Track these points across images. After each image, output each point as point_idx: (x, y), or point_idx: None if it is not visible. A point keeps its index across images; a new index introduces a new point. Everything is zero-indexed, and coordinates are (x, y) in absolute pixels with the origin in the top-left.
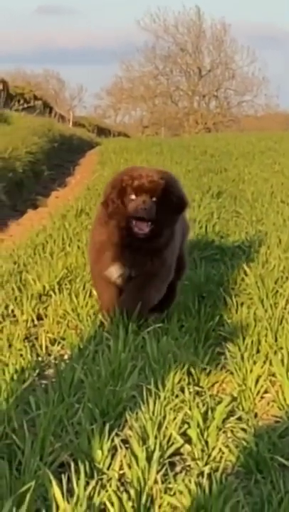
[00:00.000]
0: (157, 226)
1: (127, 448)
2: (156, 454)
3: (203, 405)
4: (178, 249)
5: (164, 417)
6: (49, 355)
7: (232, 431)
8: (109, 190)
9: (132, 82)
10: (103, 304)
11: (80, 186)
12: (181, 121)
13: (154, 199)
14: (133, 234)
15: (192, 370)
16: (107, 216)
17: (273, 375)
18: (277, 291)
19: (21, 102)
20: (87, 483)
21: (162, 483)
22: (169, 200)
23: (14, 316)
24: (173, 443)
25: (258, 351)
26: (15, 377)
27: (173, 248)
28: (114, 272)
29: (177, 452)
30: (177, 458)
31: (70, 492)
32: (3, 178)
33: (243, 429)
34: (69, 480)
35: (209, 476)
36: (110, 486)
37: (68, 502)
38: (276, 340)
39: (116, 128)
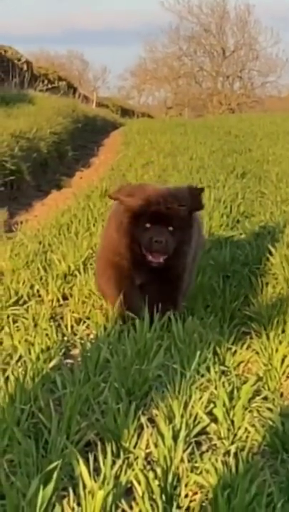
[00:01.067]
0: (174, 256)
1: (153, 427)
2: (183, 433)
3: (229, 385)
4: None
5: (190, 396)
6: (74, 334)
7: (258, 410)
8: (120, 210)
9: (156, 63)
10: (125, 301)
11: (104, 167)
12: (205, 102)
13: (170, 228)
14: (146, 262)
15: (218, 350)
16: (118, 235)
17: None
18: None
19: (45, 82)
20: (114, 462)
21: (188, 462)
22: (189, 227)
23: (40, 295)
24: (199, 422)
25: (283, 331)
26: (41, 356)
27: (190, 269)
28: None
29: (203, 431)
30: (203, 437)
31: (97, 471)
32: (28, 159)
33: (269, 409)
34: (95, 459)
35: (235, 455)
36: (137, 464)
37: (95, 481)
38: None
39: (140, 109)
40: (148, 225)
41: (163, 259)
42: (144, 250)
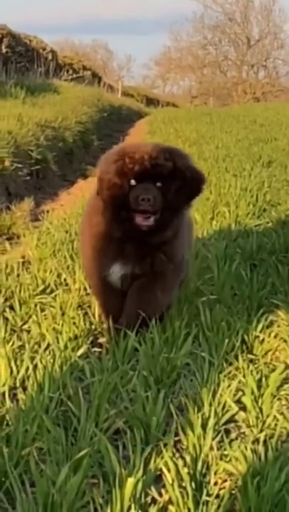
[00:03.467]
0: (164, 216)
1: (182, 415)
2: (212, 421)
3: (257, 373)
4: (189, 242)
5: (219, 385)
6: (102, 323)
7: (286, 398)
8: (104, 172)
9: (181, 52)
10: (107, 312)
11: None
12: (230, 91)
13: (159, 184)
14: (134, 226)
15: (245, 338)
16: (103, 205)
17: None
18: None
19: (70, 71)
20: (143, 450)
21: (218, 449)
22: (180, 182)
23: (67, 284)
24: (228, 410)
25: None
26: (69, 344)
27: (183, 239)
28: (116, 272)
29: (232, 419)
30: (232, 425)
31: (126, 459)
32: (54, 148)
33: None
34: (124, 447)
35: (264, 442)
36: (166, 452)
37: (124, 468)
38: None
39: (164, 98)
40: (133, 183)
41: (152, 221)
42: (131, 214)
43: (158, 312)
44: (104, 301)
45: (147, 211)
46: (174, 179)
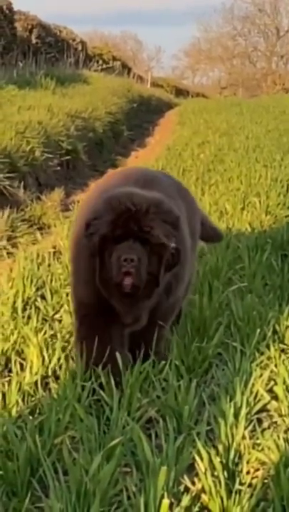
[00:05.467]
0: (150, 279)
1: (214, 404)
2: (244, 411)
3: None
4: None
5: (250, 374)
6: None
7: None
8: (80, 241)
9: (210, 43)
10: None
11: (159, 147)
12: (259, 82)
13: (146, 246)
14: (120, 288)
15: (277, 328)
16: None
17: None
18: None
19: (100, 62)
20: (175, 439)
21: (250, 439)
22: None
23: None
24: (260, 399)
25: None
26: None
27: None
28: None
29: (264, 409)
30: (264, 414)
31: (159, 448)
32: (84, 138)
33: None
34: (157, 436)
35: None
36: (199, 440)
37: (157, 457)
38: None
39: (194, 89)
40: (117, 244)
41: (134, 282)
42: (114, 278)
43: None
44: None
45: (130, 274)
46: (162, 249)
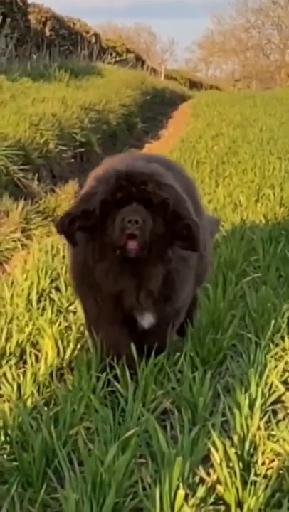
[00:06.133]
0: (154, 249)
1: (229, 395)
2: (259, 402)
3: None
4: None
5: (265, 366)
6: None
7: None
8: (86, 201)
9: (224, 35)
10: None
11: (173, 139)
12: (273, 75)
13: (149, 209)
14: (124, 252)
15: None
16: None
17: None
18: None
19: (113, 55)
20: (190, 430)
21: (265, 430)
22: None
23: None
24: (274, 391)
25: None
26: None
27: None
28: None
29: (279, 400)
30: (279, 405)
31: (174, 439)
32: (98, 130)
33: None
34: (172, 427)
35: None
36: (214, 431)
37: (172, 448)
38: None
39: (207, 81)
40: (120, 208)
41: (139, 245)
42: (117, 242)
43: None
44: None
45: (134, 237)
46: (165, 212)
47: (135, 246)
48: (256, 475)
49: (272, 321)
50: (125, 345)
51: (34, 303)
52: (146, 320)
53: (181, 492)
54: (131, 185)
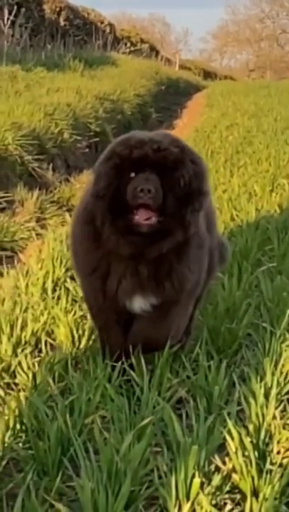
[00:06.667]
0: (169, 216)
1: (244, 384)
2: (274, 391)
3: None
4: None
5: (280, 355)
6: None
7: None
8: (97, 169)
9: (238, 26)
10: (109, 349)
11: (188, 129)
12: (287, 65)
13: (162, 176)
14: (134, 228)
15: None
16: (93, 209)
17: None
18: None
19: (128, 45)
20: (206, 419)
21: (280, 419)
22: (184, 179)
23: None
24: None
25: None
26: None
27: (200, 249)
28: (136, 306)
29: None
30: None
31: (189, 428)
32: (112, 121)
33: None
34: (187, 416)
35: None
36: (230, 420)
37: (188, 437)
38: None
39: (221, 71)
40: (132, 175)
41: (155, 218)
42: (130, 214)
43: (173, 339)
44: (109, 336)
45: (148, 206)
46: (181, 172)
47: (148, 221)
48: (272, 464)
49: (287, 310)
50: (118, 335)
51: (49, 292)
52: (137, 303)
53: (196, 480)
54: (145, 146)
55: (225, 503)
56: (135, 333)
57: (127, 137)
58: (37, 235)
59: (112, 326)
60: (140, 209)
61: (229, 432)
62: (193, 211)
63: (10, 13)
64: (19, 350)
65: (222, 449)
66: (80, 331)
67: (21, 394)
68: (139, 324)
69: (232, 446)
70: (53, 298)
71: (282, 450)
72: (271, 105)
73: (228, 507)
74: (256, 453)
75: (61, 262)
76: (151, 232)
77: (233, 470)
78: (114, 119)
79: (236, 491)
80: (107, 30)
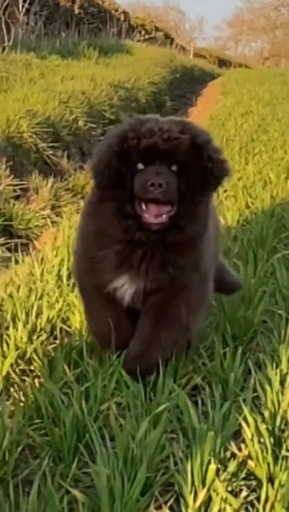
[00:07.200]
0: (182, 211)
1: (260, 371)
2: None
3: None
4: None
5: None
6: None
7: None
8: (100, 153)
9: (253, 14)
10: (106, 343)
11: (202, 117)
12: None
13: (174, 168)
14: (142, 226)
15: None
16: (99, 197)
17: None
18: None
19: (142, 33)
20: (221, 405)
21: None
22: (200, 166)
23: None
24: None
25: None
26: None
27: (210, 237)
28: (124, 287)
29: None
30: None
31: (205, 414)
32: (127, 108)
33: None
34: (203, 402)
35: None
36: (246, 406)
37: (203, 423)
38: None
39: (236, 59)
40: (140, 167)
41: (165, 216)
42: (138, 208)
43: (184, 339)
44: (103, 327)
45: (158, 201)
46: (194, 160)
47: (158, 220)
48: (287, 450)
49: None
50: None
51: (64, 279)
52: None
53: (212, 467)
54: (154, 135)
55: (240, 490)
56: (143, 331)
57: (134, 123)
58: (52, 222)
59: (114, 317)
60: (150, 204)
61: (245, 419)
62: (205, 203)
63: (25, 1)
64: (35, 337)
65: (238, 435)
66: None
67: (37, 381)
68: (146, 321)
69: (248, 432)
70: (68, 285)
71: None
72: (286, 93)
73: (244, 493)
74: (272, 439)
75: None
76: (160, 229)
77: (249, 456)
78: (129, 106)
79: (252, 477)
80: (122, 18)
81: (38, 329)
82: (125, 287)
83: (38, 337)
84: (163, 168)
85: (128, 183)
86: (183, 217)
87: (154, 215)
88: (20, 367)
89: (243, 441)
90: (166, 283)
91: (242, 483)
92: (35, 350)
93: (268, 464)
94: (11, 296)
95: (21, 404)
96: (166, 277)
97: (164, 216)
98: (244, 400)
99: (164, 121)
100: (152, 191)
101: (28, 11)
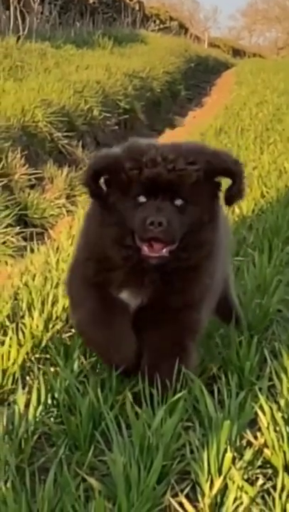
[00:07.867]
0: (184, 243)
1: (275, 360)
2: None
3: None
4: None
5: None
6: None
7: None
8: (91, 176)
9: (267, 3)
10: (112, 359)
11: (217, 106)
12: None
13: (178, 202)
14: (141, 257)
15: None
16: (100, 221)
17: None
18: None
19: (157, 22)
20: (237, 394)
21: None
22: (211, 196)
23: None
24: None
25: None
26: None
27: (218, 255)
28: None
29: None
30: None
31: (221, 403)
32: (141, 98)
33: None
34: (219, 391)
35: None
36: (262, 395)
37: (220, 412)
38: None
39: (250, 49)
40: (142, 199)
41: (166, 250)
42: (137, 241)
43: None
44: (104, 340)
45: (158, 240)
46: (203, 193)
47: (158, 254)
48: None
49: None
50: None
51: None
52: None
53: (228, 455)
54: (158, 165)
55: (257, 478)
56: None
57: (134, 149)
58: (67, 211)
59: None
60: (150, 241)
61: (261, 407)
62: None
63: None
64: (50, 326)
65: (253, 424)
66: None
67: (52, 369)
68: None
69: (264, 421)
70: None
71: None
72: None
73: (260, 481)
74: (288, 428)
75: None
76: (160, 262)
77: (265, 445)
78: (144, 96)
79: (268, 465)
80: (136, 7)
81: (54, 318)
82: (128, 301)
83: (53, 326)
84: (165, 204)
85: (128, 217)
86: (185, 248)
87: (153, 252)
88: (36, 355)
89: (259, 429)
90: (170, 297)
91: (258, 471)
92: (51, 339)
93: (284, 453)
94: (26, 285)
95: (37, 392)
96: (170, 292)
97: (164, 251)
98: (260, 389)
99: (171, 148)
100: (152, 230)
101: (42, 0)
